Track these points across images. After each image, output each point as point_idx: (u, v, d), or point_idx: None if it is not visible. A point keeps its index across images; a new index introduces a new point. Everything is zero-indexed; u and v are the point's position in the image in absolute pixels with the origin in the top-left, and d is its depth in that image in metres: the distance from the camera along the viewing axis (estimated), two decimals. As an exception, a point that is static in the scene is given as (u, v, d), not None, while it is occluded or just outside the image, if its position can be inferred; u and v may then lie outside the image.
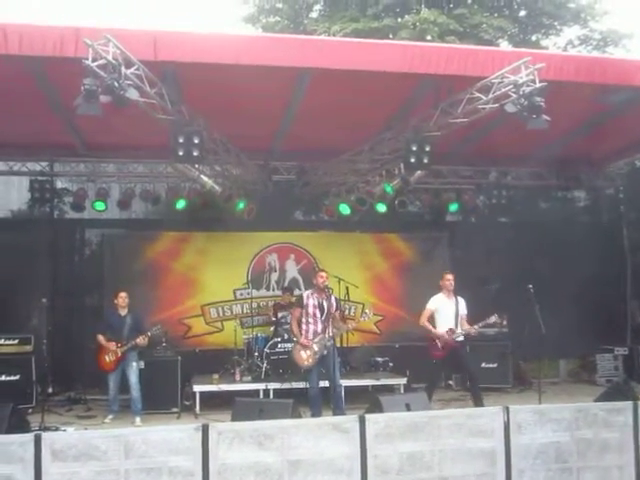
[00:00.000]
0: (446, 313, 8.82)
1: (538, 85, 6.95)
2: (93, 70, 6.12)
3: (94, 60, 6.11)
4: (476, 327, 8.72)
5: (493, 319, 8.68)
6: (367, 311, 9.08)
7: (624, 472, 5.49)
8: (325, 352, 8.35)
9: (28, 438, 4.62)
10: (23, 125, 8.91)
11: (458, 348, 8.78)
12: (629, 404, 5.72)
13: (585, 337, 11.37)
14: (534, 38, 18.97)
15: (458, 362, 8.94)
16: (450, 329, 8.70)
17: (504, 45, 18.21)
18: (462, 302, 8.92)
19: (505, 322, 10.17)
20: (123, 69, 6.29)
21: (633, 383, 9.29)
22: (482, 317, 10.59)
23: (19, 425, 7.21)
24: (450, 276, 8.92)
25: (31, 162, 10.74)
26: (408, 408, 6.70)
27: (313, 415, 8.09)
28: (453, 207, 12.10)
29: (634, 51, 18.04)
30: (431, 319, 8.86)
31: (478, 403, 8.56)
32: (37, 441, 4.55)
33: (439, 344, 8.73)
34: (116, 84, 6.21)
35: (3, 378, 9.48)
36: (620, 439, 5.56)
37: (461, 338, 8.80)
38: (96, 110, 6.27)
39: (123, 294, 9.20)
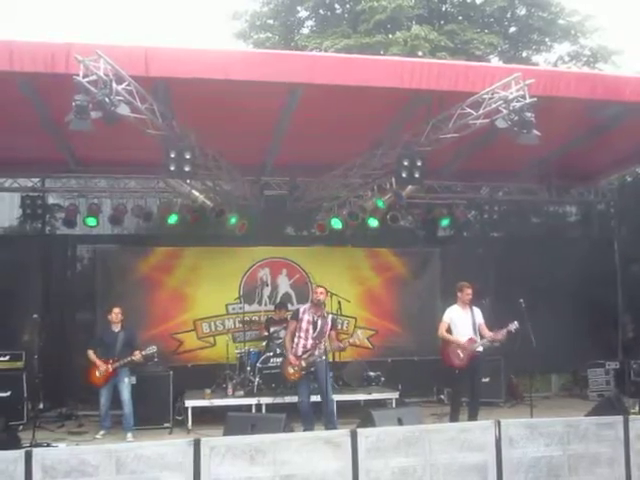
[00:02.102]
0: (463, 324, 8.85)
1: (528, 100, 6.99)
2: (84, 86, 6.12)
3: (85, 76, 6.12)
4: (501, 334, 8.65)
5: (514, 326, 8.63)
6: (358, 332, 9.09)
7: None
8: (312, 369, 8.35)
9: (18, 454, 4.59)
10: (14, 141, 8.91)
11: (476, 359, 8.78)
12: (620, 418, 5.74)
13: (577, 351, 11.45)
14: (525, 54, 19.18)
15: (473, 373, 8.86)
16: (471, 338, 8.71)
17: (495, 61, 18.40)
18: (478, 311, 8.95)
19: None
20: (114, 85, 6.30)
21: (624, 397, 9.32)
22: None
23: (10, 442, 7.21)
24: (470, 290, 8.91)
25: (22, 178, 10.74)
26: (400, 422, 6.72)
27: (305, 430, 8.08)
28: (445, 222, 12.15)
29: (623, 67, 18.21)
30: (448, 331, 8.86)
31: (472, 417, 8.58)
32: (28, 457, 4.52)
33: (460, 354, 8.69)
34: (107, 100, 6.21)
35: (-6, 394, 9.44)
36: (611, 453, 5.56)
37: (480, 348, 8.80)
38: (87, 126, 6.27)
39: (117, 310, 9.20)
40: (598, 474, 5.49)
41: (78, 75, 6.07)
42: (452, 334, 8.82)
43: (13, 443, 7.35)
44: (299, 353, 8.41)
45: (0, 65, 6.43)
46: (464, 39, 17.24)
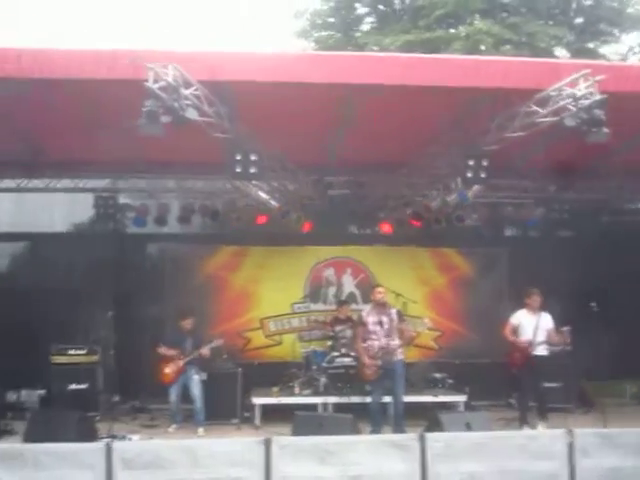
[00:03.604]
0: (527, 327, 9.10)
1: (598, 97, 6.81)
2: (154, 92, 6.28)
3: (155, 82, 6.28)
4: (563, 332, 8.86)
5: (566, 328, 8.84)
6: (426, 320, 9.01)
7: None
8: (389, 367, 8.34)
9: (100, 447, 4.77)
10: (87, 144, 9.20)
11: (536, 362, 8.95)
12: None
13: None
14: (591, 45, 18.58)
15: (534, 376, 9.07)
16: (529, 341, 8.91)
17: (560, 53, 17.90)
18: (546, 317, 9.12)
19: (568, 340, 9.97)
20: (182, 90, 6.46)
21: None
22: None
23: (88, 432, 7.51)
24: (537, 296, 9.17)
25: (96, 179, 11.07)
26: (469, 427, 6.63)
27: (373, 431, 8.09)
28: (512, 222, 11.94)
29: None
30: (514, 332, 9.16)
31: (540, 419, 8.66)
32: (108, 450, 4.69)
33: (517, 354, 9.02)
34: (176, 105, 6.37)
35: (72, 387, 9.94)
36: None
37: (540, 352, 8.98)
38: (158, 130, 6.43)
39: (189, 320, 9.45)
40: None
41: (148, 81, 6.24)
42: (517, 336, 9.04)
43: (91, 434, 7.66)
44: (374, 353, 8.40)
45: (70, 73, 6.65)
46: (528, 32, 16.85)
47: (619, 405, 10.65)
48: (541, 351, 9.04)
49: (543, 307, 9.28)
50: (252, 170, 7.88)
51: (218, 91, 7.19)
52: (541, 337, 9.06)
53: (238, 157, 7.81)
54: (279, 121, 8.22)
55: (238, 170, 7.90)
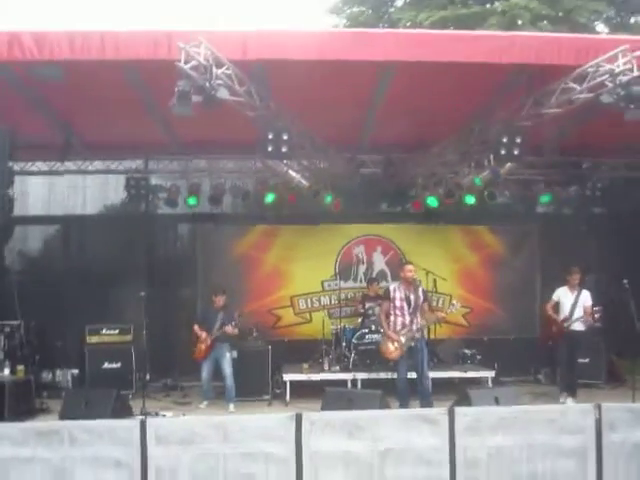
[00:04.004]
0: (565, 304, 9.47)
1: (636, 74, 6.69)
2: (186, 72, 6.34)
3: (186, 62, 6.33)
4: (592, 317, 9.30)
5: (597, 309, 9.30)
6: (454, 302, 9.08)
7: None
8: (412, 344, 8.37)
9: (134, 423, 4.90)
10: (120, 125, 9.32)
11: (572, 337, 9.29)
12: None
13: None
14: (633, 20, 18.12)
15: (569, 350, 9.35)
16: (564, 317, 9.34)
17: (600, 28, 17.51)
18: (585, 294, 9.46)
19: (599, 316, 9.93)
20: (214, 69, 6.50)
21: None
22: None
23: (122, 409, 7.70)
24: (577, 274, 9.49)
25: (127, 160, 11.21)
26: (497, 402, 6.68)
27: (401, 406, 8.15)
28: (545, 199, 11.83)
29: None
30: (555, 309, 9.59)
31: (570, 394, 8.96)
32: (142, 426, 4.81)
33: (554, 328, 9.52)
34: (207, 84, 6.42)
35: (106, 365, 10.16)
36: None
37: (577, 327, 9.33)
38: (189, 111, 6.50)
39: (221, 297, 9.54)
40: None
41: (180, 61, 6.29)
42: (558, 312, 9.50)
43: (125, 411, 7.85)
44: (398, 329, 8.44)
45: (107, 54, 6.73)
46: (566, 7, 16.41)
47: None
48: (578, 326, 9.29)
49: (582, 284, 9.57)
50: (283, 149, 7.90)
51: (249, 70, 7.23)
52: (578, 313, 9.32)
53: (270, 136, 7.83)
54: (310, 99, 8.23)
55: (270, 149, 7.93)
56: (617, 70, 6.77)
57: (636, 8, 17.56)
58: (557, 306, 9.56)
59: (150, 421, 5.02)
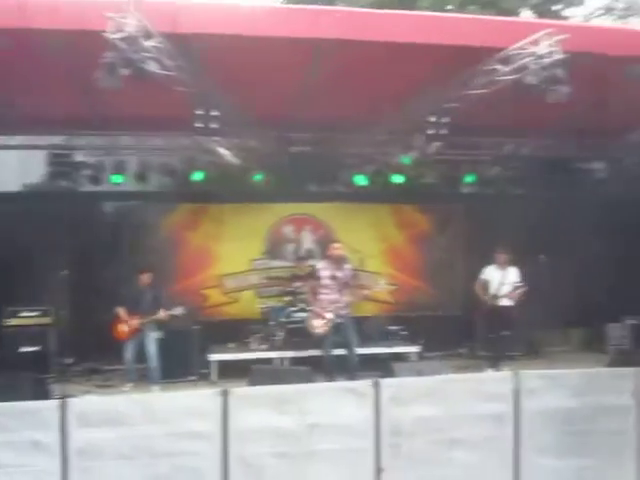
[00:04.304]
0: (493, 282, 9.83)
1: (559, 57, 6.90)
2: (114, 43, 6.16)
3: (115, 33, 6.15)
4: (514, 294, 9.60)
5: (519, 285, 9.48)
6: (381, 281, 9.14)
7: (627, 436, 5.59)
8: (339, 320, 8.46)
9: (55, 404, 4.76)
10: (43, 99, 8.97)
11: (501, 311, 9.66)
12: (633, 370, 5.80)
13: (598, 307, 11.44)
14: (555, 8, 18.67)
15: (496, 325, 9.76)
16: (493, 295, 9.67)
17: (525, 14, 17.94)
18: (513, 272, 9.83)
19: (523, 292, 10.30)
20: (143, 42, 6.34)
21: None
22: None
23: (41, 394, 7.43)
24: (502, 255, 9.89)
25: (50, 135, 10.78)
26: (420, 374, 6.84)
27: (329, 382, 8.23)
28: (469, 179, 12.14)
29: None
30: (485, 287, 9.90)
31: (495, 365, 9.27)
32: (63, 406, 4.69)
33: (483, 307, 9.85)
34: (136, 57, 6.26)
35: (24, 349, 9.77)
36: (624, 404, 5.64)
37: (505, 303, 9.65)
38: (117, 83, 6.32)
39: (147, 275, 9.34)
40: (611, 424, 5.58)
41: (108, 32, 6.09)
42: (487, 290, 9.81)
43: (45, 396, 7.60)
44: (324, 306, 8.51)
45: (31, 22, 6.46)
46: (494, -8, 16.82)
47: (565, 352, 11.20)
48: (505, 302, 9.66)
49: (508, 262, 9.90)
50: (213, 126, 7.84)
51: (180, 43, 7.06)
52: (506, 290, 9.70)
53: (199, 112, 7.72)
54: (242, 76, 8.10)
55: (199, 125, 7.82)
56: (541, 53, 6.97)
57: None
58: (486, 284, 9.85)
59: (71, 401, 4.89)
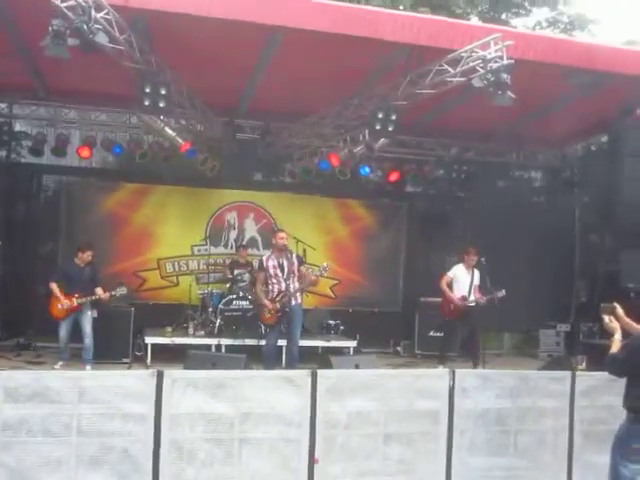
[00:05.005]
0: (462, 282, 9.66)
1: (506, 62, 7.07)
2: (62, 11, 6.00)
3: (63, 1, 5.98)
4: (484, 299, 9.45)
5: (500, 294, 9.32)
6: (325, 264, 9.12)
7: (559, 436, 5.76)
8: (287, 309, 8.45)
9: (-20, 374, 4.60)
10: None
11: (469, 311, 9.54)
12: (568, 374, 5.97)
13: (531, 312, 11.78)
14: (504, 16, 19.10)
15: (465, 325, 9.63)
16: (463, 296, 9.54)
17: (474, 21, 18.29)
18: (477, 273, 9.69)
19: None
20: (93, 12, 6.18)
21: (572, 358, 9.74)
22: (432, 287, 10.92)
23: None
24: (474, 255, 9.66)
25: (-12, 102, 10.47)
26: (357, 368, 6.91)
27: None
28: (413, 178, 12.30)
29: (599, 36, 18.36)
30: (449, 285, 9.72)
31: (476, 363, 9.25)
32: (-10, 378, 4.54)
33: (452, 307, 9.61)
34: (85, 27, 6.11)
35: (-50, 321, 9.40)
36: (557, 406, 5.81)
37: (472, 304, 9.54)
38: (64, 52, 6.17)
39: (89, 252, 9.05)
40: (543, 425, 5.74)
41: (56, -1, 5.93)
42: (452, 289, 9.67)
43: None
44: (274, 296, 8.48)
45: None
46: (445, -5, 17.09)
47: (498, 355, 11.45)
48: (471, 304, 9.59)
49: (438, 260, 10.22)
50: (161, 104, 7.70)
51: (131, 18, 6.93)
52: (474, 292, 9.64)
53: (147, 90, 7.59)
54: (193, 58, 8.04)
55: (146, 103, 7.69)
56: (489, 57, 7.14)
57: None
58: (451, 283, 9.73)
59: (-1, 374, 4.73)
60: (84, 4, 6.06)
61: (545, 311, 12.01)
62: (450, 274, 9.79)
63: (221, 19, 6.95)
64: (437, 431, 5.44)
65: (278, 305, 8.42)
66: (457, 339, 9.82)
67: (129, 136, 10.82)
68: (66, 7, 5.97)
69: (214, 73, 8.60)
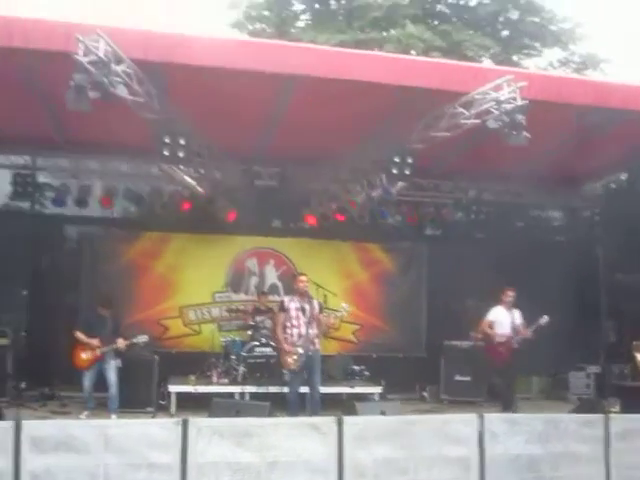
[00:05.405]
0: (504, 323, 9.59)
1: (520, 103, 7.11)
2: (83, 66, 6.13)
3: (85, 56, 6.13)
4: (530, 331, 9.40)
5: (544, 320, 9.31)
6: (344, 304, 9.07)
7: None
8: (310, 353, 8.39)
9: (8, 425, 4.59)
10: (7, 118, 8.87)
11: (513, 355, 9.42)
12: (600, 417, 5.83)
13: (558, 355, 11.57)
14: (515, 58, 19.29)
15: (509, 368, 9.54)
16: (509, 336, 9.43)
17: (486, 63, 18.49)
18: (518, 314, 9.63)
19: (480, 336, 10.37)
20: (113, 66, 6.33)
21: (604, 401, 9.51)
22: (455, 331, 10.81)
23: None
24: (511, 292, 9.62)
25: (14, 155, 10.64)
26: (383, 414, 6.80)
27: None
28: (431, 222, 12.31)
29: (611, 75, 18.47)
30: (491, 328, 9.63)
31: (508, 410, 9.03)
32: (17, 428, 4.52)
33: (501, 349, 9.45)
34: (105, 80, 6.24)
35: (-21, 370, 9.43)
36: (591, 451, 5.65)
37: (517, 345, 9.42)
38: (86, 106, 6.27)
39: (109, 303, 9.18)
40: (578, 471, 5.57)
41: (78, 54, 6.08)
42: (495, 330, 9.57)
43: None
44: (295, 340, 8.43)
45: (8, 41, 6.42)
46: (457, 40, 17.33)
47: (526, 399, 11.18)
48: (515, 345, 9.47)
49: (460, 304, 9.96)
50: (180, 154, 7.82)
51: (149, 70, 7.08)
52: (517, 333, 9.52)
53: (166, 140, 7.72)
54: (210, 107, 8.17)
55: (166, 153, 7.81)
56: (502, 98, 7.17)
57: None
58: (492, 326, 9.63)
59: (26, 423, 4.71)
60: (105, 59, 6.20)
61: (574, 353, 11.79)
62: (490, 317, 9.68)
63: (237, 70, 7.08)
64: (468, 478, 5.31)
65: (300, 350, 8.36)
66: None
67: (150, 186, 10.93)
68: (88, 62, 6.11)
69: (231, 121, 8.73)
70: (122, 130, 8.62)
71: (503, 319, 9.59)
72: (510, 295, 9.60)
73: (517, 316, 9.61)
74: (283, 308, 8.65)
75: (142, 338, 9.13)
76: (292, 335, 8.49)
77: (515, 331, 9.44)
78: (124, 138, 9.32)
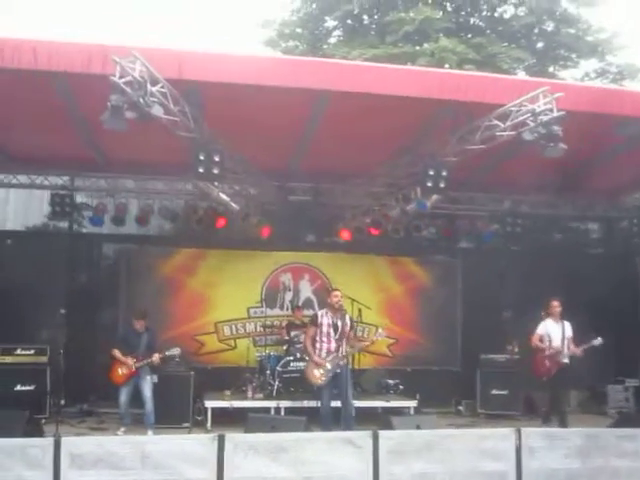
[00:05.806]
0: (554, 336, 9.44)
1: (556, 114, 7.04)
2: (120, 87, 6.25)
3: (121, 77, 6.26)
4: (580, 349, 9.32)
5: (597, 342, 9.23)
6: (380, 330, 9.09)
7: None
8: (338, 370, 8.39)
9: (48, 442, 4.68)
10: (46, 139, 9.08)
11: (564, 369, 9.29)
12: (640, 431, 5.72)
13: (596, 368, 11.34)
14: (551, 69, 19.14)
15: (562, 382, 9.44)
16: (558, 349, 9.27)
17: (521, 75, 18.37)
18: (568, 325, 9.52)
19: (517, 349, 10.22)
20: (149, 86, 6.45)
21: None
22: (490, 344, 10.68)
23: (34, 433, 7.30)
24: (557, 303, 9.53)
25: (53, 176, 10.89)
26: (419, 428, 6.74)
27: (324, 433, 8.10)
28: (468, 235, 12.23)
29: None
30: (542, 342, 9.49)
31: (563, 425, 8.91)
32: (57, 445, 4.60)
33: (547, 363, 9.36)
34: (142, 100, 6.36)
35: (19, 388, 9.63)
36: (632, 466, 5.54)
37: (566, 360, 9.30)
38: (122, 126, 6.40)
39: (142, 321, 9.27)
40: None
41: (114, 76, 6.21)
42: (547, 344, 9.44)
43: (37, 435, 7.47)
44: (323, 356, 8.45)
45: (38, 64, 6.59)
46: (491, 52, 17.26)
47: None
48: (565, 359, 9.35)
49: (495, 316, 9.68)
50: (215, 171, 7.87)
51: (184, 89, 7.20)
52: (567, 345, 9.40)
53: (201, 157, 7.79)
54: (244, 124, 8.26)
55: (201, 171, 7.88)
56: (538, 110, 7.11)
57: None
58: (543, 339, 9.52)
59: (65, 440, 4.79)
60: (140, 79, 6.32)
61: (612, 366, 11.56)
62: (540, 331, 9.55)
63: (271, 86, 7.15)
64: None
65: (328, 365, 8.37)
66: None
67: (185, 202, 11.07)
68: (123, 83, 6.23)
69: (265, 137, 8.80)
70: (157, 149, 8.78)
71: (553, 332, 9.46)
72: (556, 306, 9.48)
73: (567, 328, 9.49)
74: (315, 322, 8.66)
75: (175, 350, 9.23)
76: (321, 350, 8.51)
77: (566, 344, 9.32)
78: (159, 156, 9.49)
